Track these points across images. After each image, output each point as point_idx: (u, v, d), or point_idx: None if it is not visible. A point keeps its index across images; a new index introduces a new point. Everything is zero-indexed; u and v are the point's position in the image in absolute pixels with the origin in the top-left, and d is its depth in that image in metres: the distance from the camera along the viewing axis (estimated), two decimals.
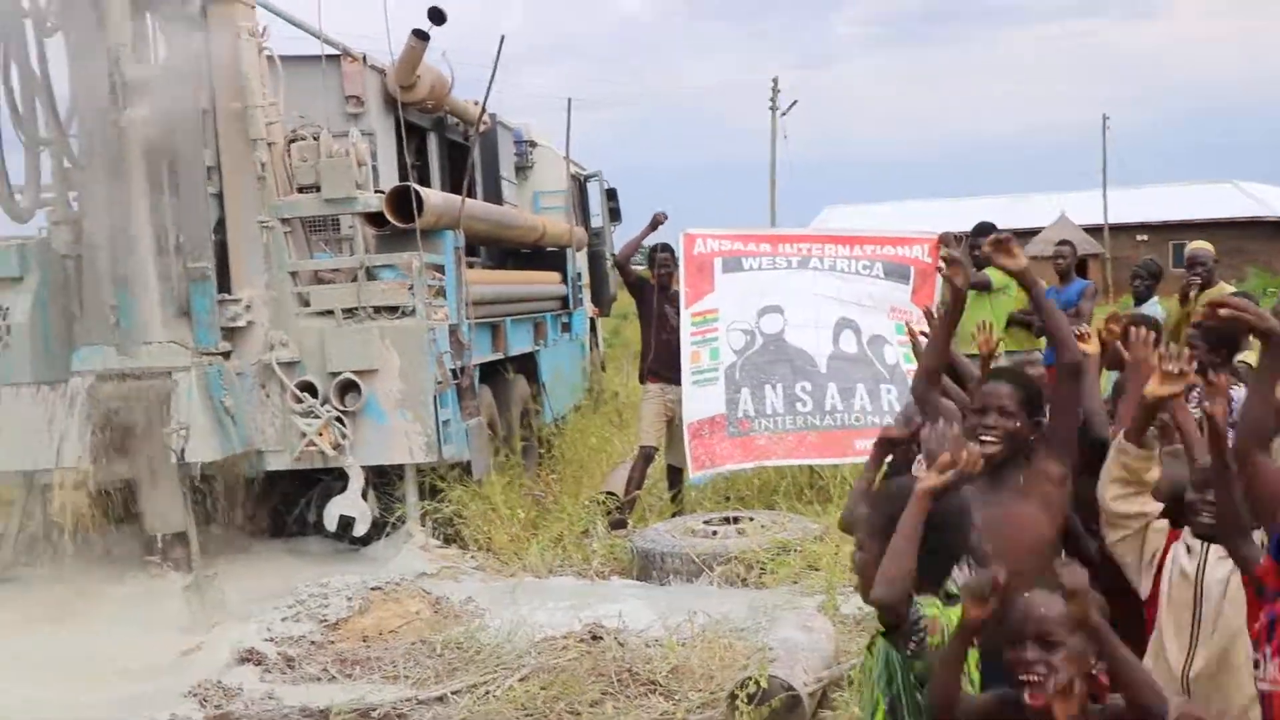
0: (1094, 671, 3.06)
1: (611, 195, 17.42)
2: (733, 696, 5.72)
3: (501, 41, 9.86)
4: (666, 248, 10.39)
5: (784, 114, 42.71)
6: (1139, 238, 47.58)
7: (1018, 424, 3.94)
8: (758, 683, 5.65)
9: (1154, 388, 3.71)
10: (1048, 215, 46.83)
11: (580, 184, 16.59)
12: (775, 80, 43.09)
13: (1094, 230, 46.25)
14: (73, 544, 8.85)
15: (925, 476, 3.29)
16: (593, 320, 16.33)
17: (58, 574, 8.42)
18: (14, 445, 8.19)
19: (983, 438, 3.88)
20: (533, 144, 15.26)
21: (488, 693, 6.32)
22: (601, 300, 16.59)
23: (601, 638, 6.92)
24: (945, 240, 9.23)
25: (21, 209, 8.80)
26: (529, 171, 15.27)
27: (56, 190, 8.93)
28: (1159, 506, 3.83)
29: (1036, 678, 3.01)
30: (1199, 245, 9.99)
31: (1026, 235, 30.80)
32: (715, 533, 8.62)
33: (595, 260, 16.33)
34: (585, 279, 15.62)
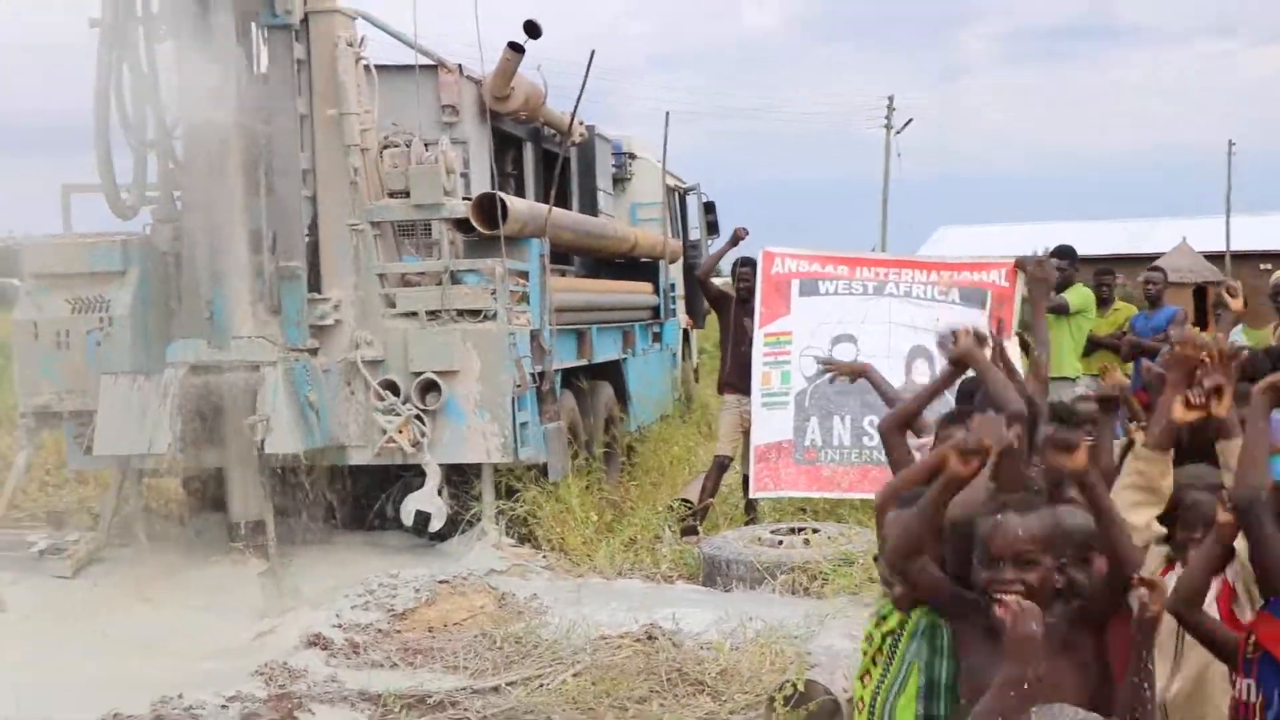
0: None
1: (709, 208, 17.60)
2: (771, 700, 5.86)
3: (591, 57, 10.10)
4: (748, 262, 10.53)
5: (898, 132, 42.63)
6: (1262, 266, 46.52)
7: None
8: (795, 686, 5.78)
9: (1179, 412, 3.74)
10: (1169, 241, 46.05)
11: (679, 196, 16.80)
12: (890, 99, 43.02)
13: (1216, 257, 45.39)
14: (163, 527, 9.29)
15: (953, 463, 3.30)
16: (686, 331, 16.52)
17: (146, 555, 8.82)
18: (111, 432, 8.57)
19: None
20: (632, 156, 15.49)
21: (541, 685, 6.53)
22: (696, 312, 16.75)
23: (656, 638, 7.10)
24: (1022, 264, 9.26)
25: (126, 206, 9.21)
26: (627, 183, 15.52)
27: (161, 190, 9.34)
28: (1161, 531, 3.87)
29: (1012, 595, 3.05)
30: None
31: (1146, 261, 30.34)
32: (780, 542, 8.75)
33: (691, 272, 16.51)
34: (680, 290, 15.80)
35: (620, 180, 15.25)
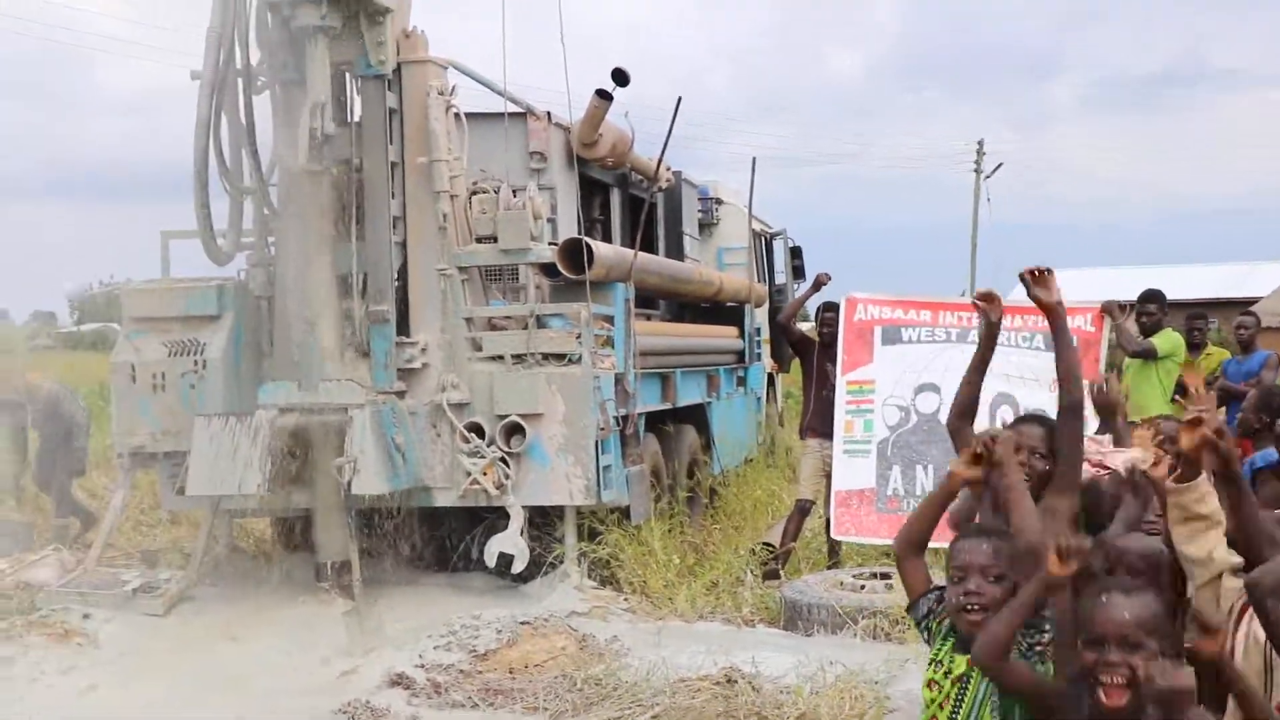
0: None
1: (796, 253, 17.65)
2: None
3: (678, 103, 10.23)
4: (832, 306, 10.55)
5: (988, 177, 42.37)
6: None
7: (1048, 465, 4.06)
8: None
9: (1184, 439, 3.73)
10: (1268, 285, 45.21)
11: (765, 241, 16.86)
12: (980, 143, 42.80)
13: None
14: (252, 567, 9.47)
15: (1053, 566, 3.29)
16: (771, 375, 16.53)
17: (235, 594, 8.99)
18: (203, 472, 8.76)
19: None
20: (718, 201, 15.58)
21: None
22: (781, 356, 16.76)
23: (736, 681, 7.10)
24: (1109, 309, 9.20)
25: (222, 252, 9.45)
26: (714, 228, 15.60)
27: (256, 236, 9.58)
28: (1231, 558, 3.82)
29: (1120, 680, 3.06)
30: None
31: (1244, 305, 29.81)
32: (863, 587, 8.73)
33: (775, 316, 16.54)
34: (765, 334, 15.83)
35: (706, 225, 15.34)
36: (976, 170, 42.62)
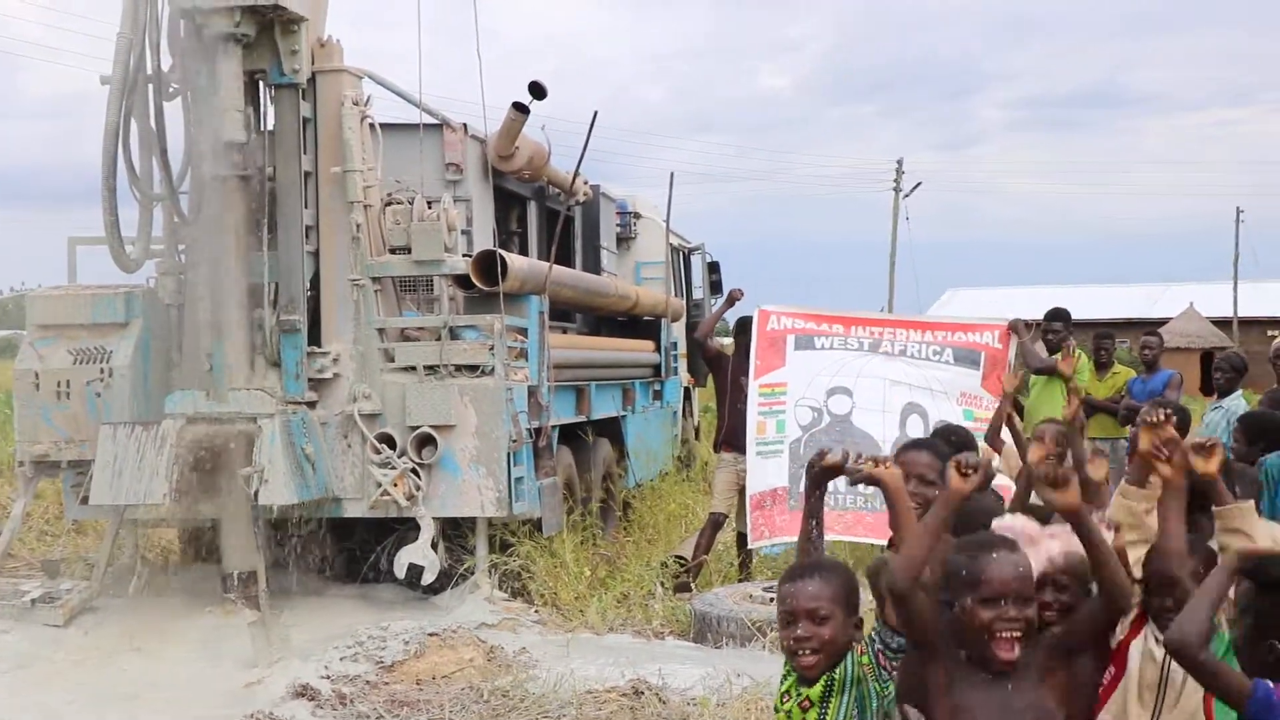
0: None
1: (714, 268, 17.74)
2: None
3: (594, 117, 10.28)
4: (746, 325, 10.61)
5: (906, 195, 42.83)
6: (1270, 333, 46.59)
7: (937, 493, 4.00)
8: None
9: (1142, 442, 3.79)
10: (1178, 306, 46.20)
11: (683, 256, 16.93)
12: (899, 162, 43.28)
13: (1224, 323, 45.45)
14: (158, 578, 9.35)
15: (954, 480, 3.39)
16: (688, 390, 16.60)
17: (140, 605, 8.88)
18: (107, 481, 8.63)
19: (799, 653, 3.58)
20: (636, 215, 15.63)
21: None
22: (697, 371, 16.83)
23: (643, 693, 7.13)
24: (1015, 327, 9.35)
25: (131, 260, 9.34)
26: (632, 242, 15.65)
27: (166, 243, 9.47)
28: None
29: (1017, 632, 3.19)
30: None
31: (1154, 325, 30.42)
32: (772, 599, 8.77)
33: (693, 331, 16.60)
34: (682, 349, 15.90)
35: (625, 239, 15.40)
36: (896, 189, 43.08)
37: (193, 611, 8.78)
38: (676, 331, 15.35)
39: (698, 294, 17.39)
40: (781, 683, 3.64)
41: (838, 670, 3.47)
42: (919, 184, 43.15)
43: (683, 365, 16.04)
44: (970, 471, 3.32)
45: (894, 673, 3.44)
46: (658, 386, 14.23)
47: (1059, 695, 3.27)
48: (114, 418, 8.89)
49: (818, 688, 3.49)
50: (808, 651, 3.47)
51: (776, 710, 3.62)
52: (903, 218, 42.93)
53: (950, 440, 4.93)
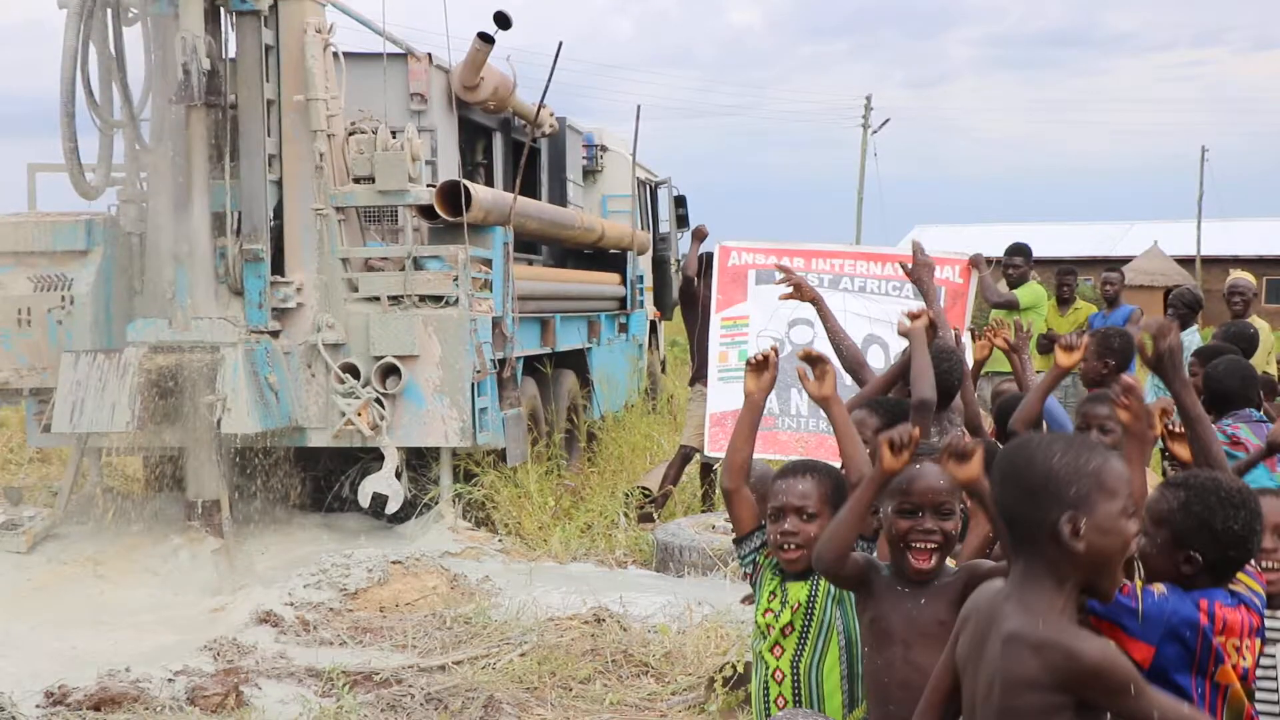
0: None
1: (680, 202, 17.69)
2: (711, 680, 5.98)
3: (559, 47, 10.20)
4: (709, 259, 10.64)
5: (875, 131, 42.74)
6: (1232, 271, 46.89)
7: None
8: (735, 668, 5.90)
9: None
10: (1142, 245, 46.36)
11: (650, 190, 16.88)
12: (868, 98, 43.15)
13: (1187, 262, 45.69)
14: (122, 506, 9.36)
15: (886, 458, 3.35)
16: (654, 323, 16.61)
17: (104, 533, 8.89)
18: (69, 409, 8.61)
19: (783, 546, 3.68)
20: (603, 149, 15.55)
21: (487, 664, 6.63)
22: (664, 304, 16.84)
23: (604, 620, 7.20)
24: (975, 262, 9.39)
25: (91, 187, 9.27)
26: (598, 175, 15.58)
27: (127, 170, 9.41)
28: None
29: (933, 544, 3.23)
30: (1240, 275, 10.08)
31: (1119, 263, 30.60)
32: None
33: (660, 265, 16.60)
34: (648, 282, 15.89)
35: (591, 173, 15.33)
36: (864, 125, 42.99)
37: (157, 539, 8.79)
38: (643, 265, 15.34)
39: (664, 228, 17.35)
40: (761, 591, 3.67)
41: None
42: (887, 120, 43.23)
43: (648, 299, 16.05)
44: (902, 448, 3.26)
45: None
46: (623, 320, 14.24)
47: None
48: (75, 346, 8.86)
49: (803, 588, 3.55)
50: (793, 546, 3.56)
51: (756, 624, 3.67)
52: (871, 154, 42.95)
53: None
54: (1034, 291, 10.51)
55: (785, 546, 3.56)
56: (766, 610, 3.61)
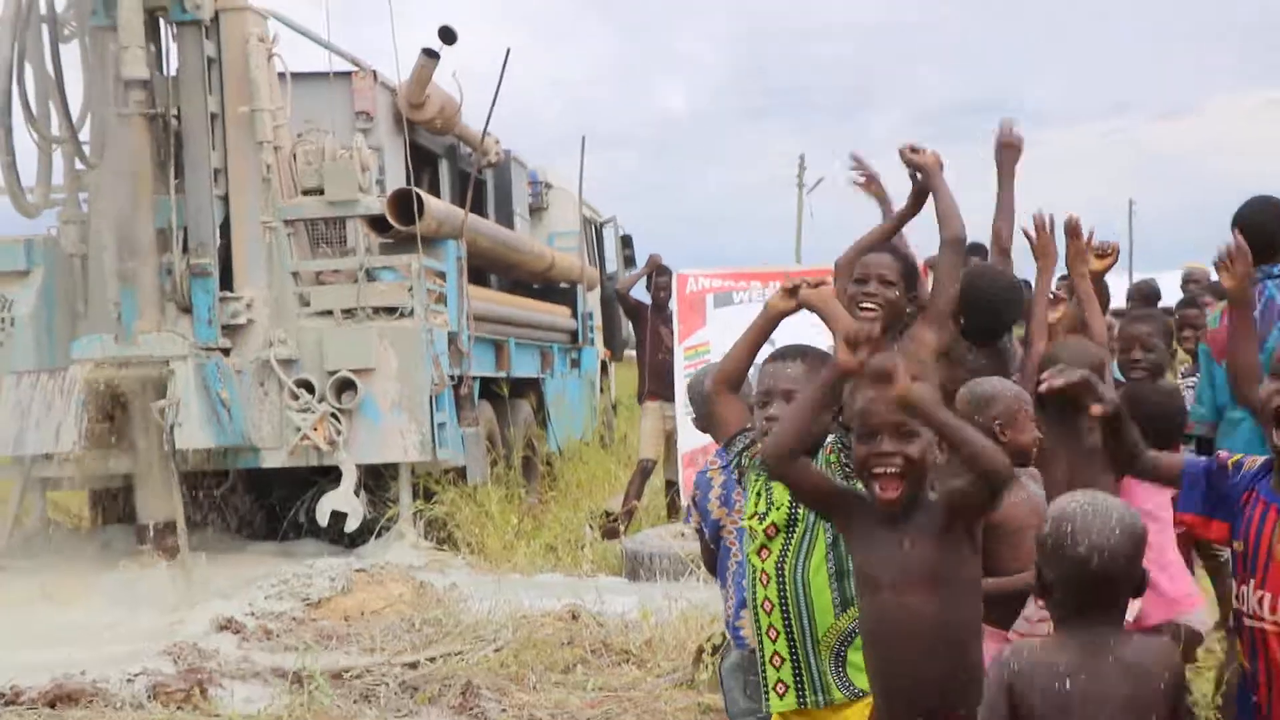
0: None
1: (627, 242, 17.55)
2: (699, 650, 5.75)
3: (507, 55, 10.08)
4: (665, 271, 10.52)
5: (810, 190, 42.97)
6: (1185, 264, 47.32)
7: (896, 294, 4.00)
8: (724, 635, 5.66)
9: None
10: None
11: (595, 229, 16.75)
12: (802, 157, 43.42)
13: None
14: (68, 539, 9.02)
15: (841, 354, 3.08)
16: (604, 363, 16.42)
17: (50, 564, 8.52)
18: (12, 431, 8.30)
19: (863, 304, 3.93)
20: (548, 185, 15.41)
21: (463, 659, 6.35)
22: (614, 343, 16.65)
23: (579, 616, 6.95)
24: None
25: (31, 205, 9.00)
26: (544, 213, 15.41)
27: (67, 191, 9.17)
28: None
29: (893, 469, 2.90)
30: (1195, 265, 10.07)
31: None
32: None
33: (609, 304, 16.41)
34: (597, 320, 15.72)
35: (537, 210, 15.17)
36: (799, 184, 43.25)
37: (106, 567, 8.45)
38: (592, 302, 15.17)
39: (611, 267, 17.21)
40: (748, 493, 3.45)
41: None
42: (821, 179, 43.26)
43: (599, 337, 15.86)
44: (860, 347, 2.98)
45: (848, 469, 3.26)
46: (575, 355, 14.05)
47: (957, 555, 2.95)
48: (18, 367, 8.54)
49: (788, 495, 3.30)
50: None
51: (744, 529, 3.43)
52: (807, 214, 43.07)
53: None
54: None
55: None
56: (753, 514, 3.38)
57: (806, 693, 3.23)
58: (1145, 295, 10.25)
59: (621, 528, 9.73)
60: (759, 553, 3.34)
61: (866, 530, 2.99)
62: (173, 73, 8.99)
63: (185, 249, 8.81)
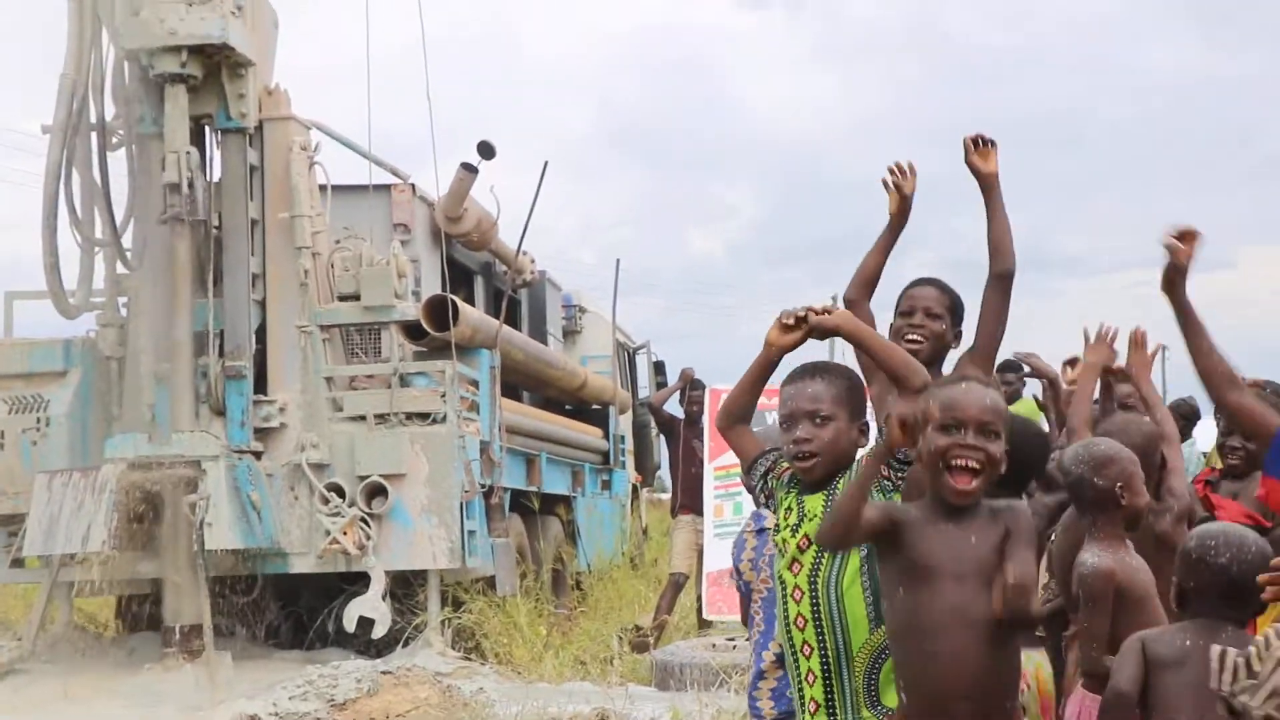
0: None
1: (659, 368, 17.56)
2: None
3: (544, 168, 10.20)
4: (699, 385, 10.51)
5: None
6: None
7: (943, 327, 3.95)
8: None
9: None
10: None
11: (629, 355, 16.81)
12: (834, 297, 43.69)
13: None
14: (93, 644, 8.93)
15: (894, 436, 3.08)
16: (635, 487, 16.33)
17: (74, 668, 8.43)
18: (43, 530, 8.26)
19: (909, 337, 3.91)
20: (582, 309, 15.51)
21: None
22: (646, 469, 16.60)
23: (609, 719, 6.81)
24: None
25: (71, 307, 9.09)
26: (577, 336, 15.49)
27: (107, 294, 9.25)
28: None
29: (974, 463, 2.96)
30: None
31: None
32: (735, 645, 8.48)
33: (641, 430, 16.37)
34: (629, 444, 15.66)
35: (570, 333, 15.24)
36: None
37: (130, 671, 8.35)
38: (624, 426, 15.14)
39: (644, 393, 17.21)
40: (778, 511, 3.37)
41: (840, 480, 3.24)
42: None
43: (630, 461, 15.80)
44: (792, 323, 3.18)
45: (899, 484, 3.20)
46: (606, 476, 13.99)
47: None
48: (51, 467, 8.54)
49: (820, 500, 3.24)
50: (807, 454, 3.24)
51: (775, 545, 3.36)
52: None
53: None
54: (1028, 406, 10.37)
55: (800, 456, 3.26)
56: (785, 527, 3.31)
57: (838, 711, 3.15)
58: (1185, 414, 10.16)
59: (651, 641, 9.57)
60: (790, 567, 3.27)
61: (922, 526, 3.02)
62: (216, 179, 9.12)
63: (221, 352, 8.86)
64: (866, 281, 4.15)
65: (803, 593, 3.20)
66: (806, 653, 3.19)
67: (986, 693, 2.92)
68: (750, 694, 3.86)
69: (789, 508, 3.30)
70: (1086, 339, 4.55)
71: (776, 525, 3.35)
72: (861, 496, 3.02)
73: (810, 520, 3.23)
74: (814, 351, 3.70)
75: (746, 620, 4.03)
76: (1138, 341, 4.47)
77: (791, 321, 3.35)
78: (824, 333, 3.37)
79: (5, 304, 9.50)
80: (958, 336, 4.03)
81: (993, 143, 4.03)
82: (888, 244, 4.17)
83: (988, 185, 4.03)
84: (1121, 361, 4.65)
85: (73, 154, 8.95)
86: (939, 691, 2.91)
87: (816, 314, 3.33)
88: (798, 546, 3.24)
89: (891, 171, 4.09)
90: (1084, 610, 3.47)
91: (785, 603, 3.25)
